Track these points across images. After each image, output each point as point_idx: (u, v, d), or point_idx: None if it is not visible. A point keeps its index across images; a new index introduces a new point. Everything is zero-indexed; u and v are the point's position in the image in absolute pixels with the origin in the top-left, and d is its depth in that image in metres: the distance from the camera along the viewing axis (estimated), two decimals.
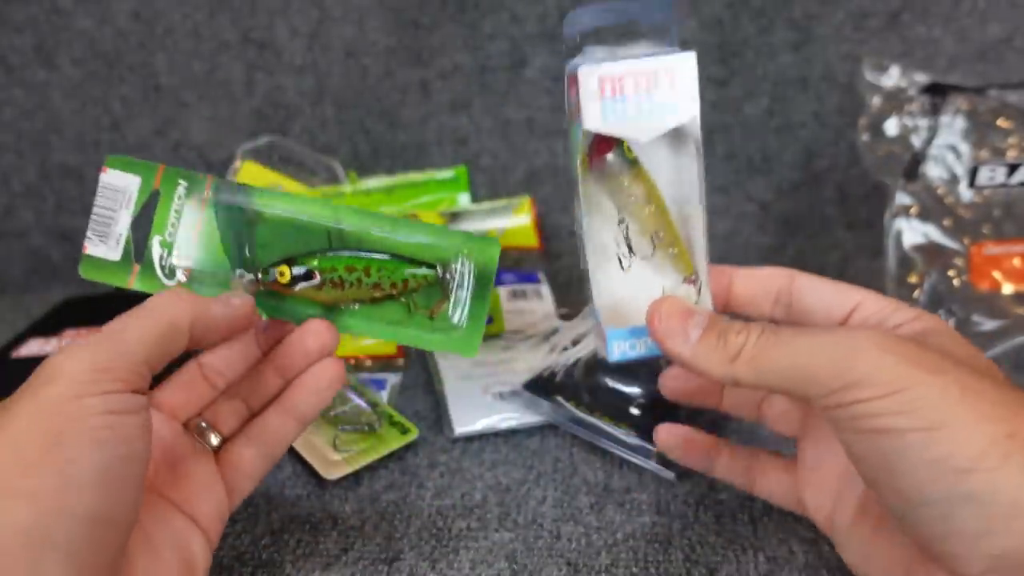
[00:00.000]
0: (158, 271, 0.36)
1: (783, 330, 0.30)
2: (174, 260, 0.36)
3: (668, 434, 0.39)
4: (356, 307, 0.36)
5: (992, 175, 0.54)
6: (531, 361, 0.52)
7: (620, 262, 0.35)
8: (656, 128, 0.34)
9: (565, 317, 0.57)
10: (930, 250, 0.54)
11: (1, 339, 0.60)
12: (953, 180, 0.55)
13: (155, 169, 0.36)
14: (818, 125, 0.66)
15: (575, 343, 0.52)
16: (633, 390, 0.46)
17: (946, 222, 0.55)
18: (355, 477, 0.44)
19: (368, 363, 0.56)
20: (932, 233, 0.55)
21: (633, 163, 0.35)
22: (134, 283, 0.36)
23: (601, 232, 0.35)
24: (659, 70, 0.33)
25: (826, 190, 0.67)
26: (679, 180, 0.36)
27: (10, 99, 0.67)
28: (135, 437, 0.28)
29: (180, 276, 0.36)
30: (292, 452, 0.46)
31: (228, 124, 0.68)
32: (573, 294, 0.65)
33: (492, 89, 0.67)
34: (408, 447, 0.46)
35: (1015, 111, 0.54)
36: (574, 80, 0.34)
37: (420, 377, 0.56)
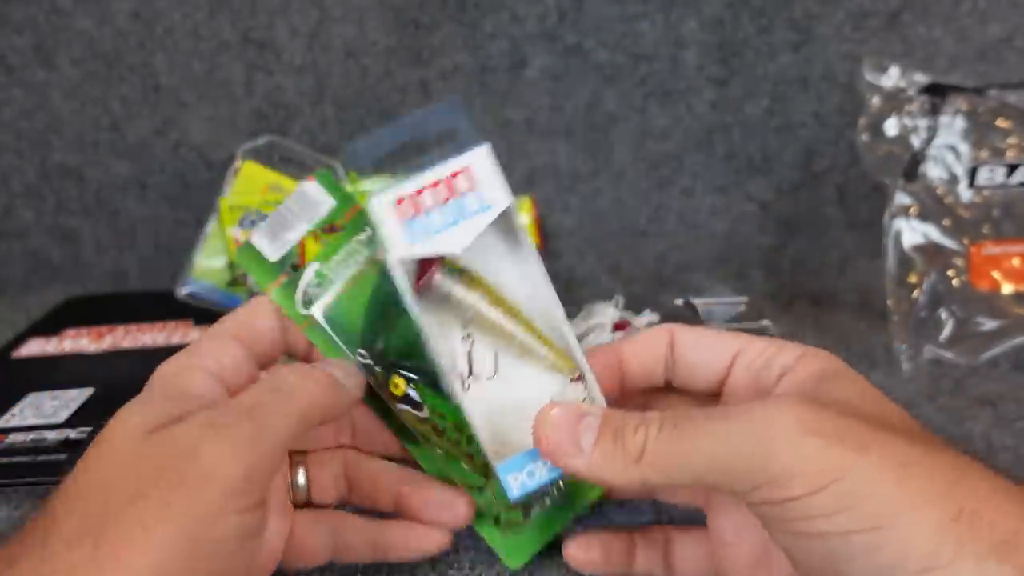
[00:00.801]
0: (298, 294, 0.35)
1: (687, 419, 0.26)
2: (316, 295, 0.34)
3: (582, 550, 0.34)
4: (438, 451, 0.34)
5: (991, 175, 0.54)
6: None
7: (462, 382, 0.32)
8: (469, 232, 0.30)
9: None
10: (930, 250, 0.54)
11: (1, 339, 0.60)
12: (953, 180, 0.55)
13: (352, 203, 0.35)
14: (818, 125, 0.66)
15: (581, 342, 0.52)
16: None
17: (945, 222, 0.55)
18: None
19: None
20: (932, 233, 0.55)
21: (462, 273, 0.32)
22: (272, 291, 0.35)
23: (453, 356, 0.32)
24: (454, 173, 0.31)
25: (826, 190, 0.67)
26: (524, 277, 0.33)
27: (10, 99, 0.67)
28: (258, 555, 0.28)
29: (313, 311, 0.34)
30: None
31: (228, 124, 0.68)
32: (573, 294, 0.65)
33: (492, 89, 0.67)
34: None
35: (1015, 111, 0.54)
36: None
37: None
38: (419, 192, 0.31)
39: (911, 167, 0.55)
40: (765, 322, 0.48)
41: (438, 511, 0.33)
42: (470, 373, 0.32)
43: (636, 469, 0.26)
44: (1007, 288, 0.53)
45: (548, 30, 0.65)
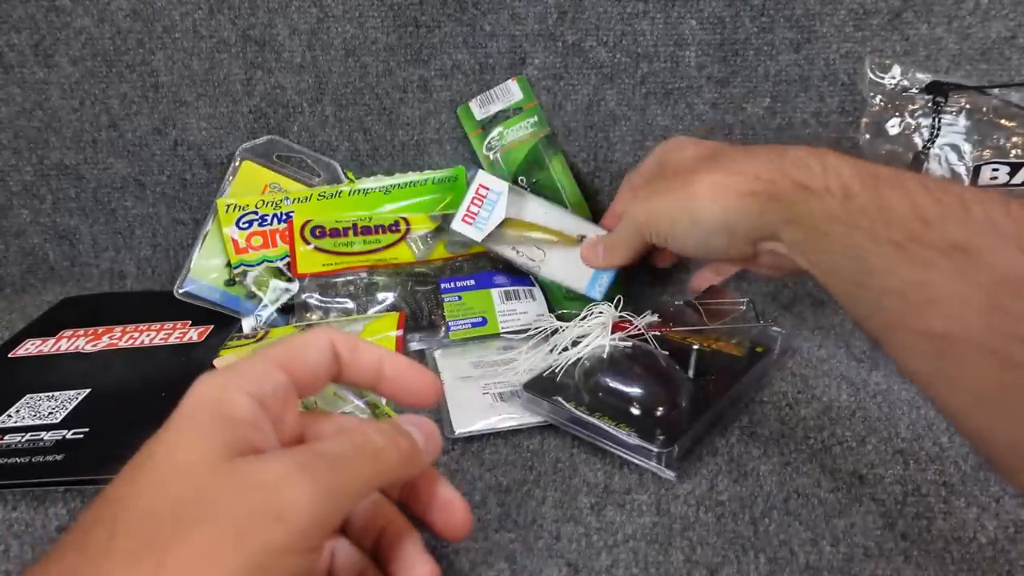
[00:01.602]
0: (485, 143, 0.66)
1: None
2: (496, 145, 0.65)
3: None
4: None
5: (995, 175, 0.54)
6: (530, 362, 0.52)
7: (537, 266, 0.60)
8: (498, 212, 0.58)
9: (563, 318, 0.56)
10: None
11: None
12: (955, 179, 0.55)
13: (531, 100, 0.65)
14: (819, 124, 0.66)
15: (574, 344, 0.52)
16: (633, 390, 0.46)
17: None
18: None
19: None
20: None
21: (505, 221, 0.58)
22: (473, 137, 0.66)
23: (515, 259, 0.60)
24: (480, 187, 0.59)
25: None
26: (536, 208, 0.59)
27: (8, 97, 0.67)
28: None
29: (492, 153, 0.65)
30: None
31: (227, 123, 0.68)
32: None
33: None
34: None
35: (1018, 110, 0.54)
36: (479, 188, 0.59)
37: None
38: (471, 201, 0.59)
39: (915, 166, 0.55)
40: (763, 323, 0.48)
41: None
42: (533, 261, 0.59)
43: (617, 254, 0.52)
44: None
45: (548, 29, 0.65)
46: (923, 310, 0.32)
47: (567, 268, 0.59)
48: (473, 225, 0.57)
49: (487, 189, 0.57)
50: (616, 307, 0.53)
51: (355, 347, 0.34)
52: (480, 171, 0.58)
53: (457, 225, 0.57)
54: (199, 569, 0.24)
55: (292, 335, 0.34)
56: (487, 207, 0.57)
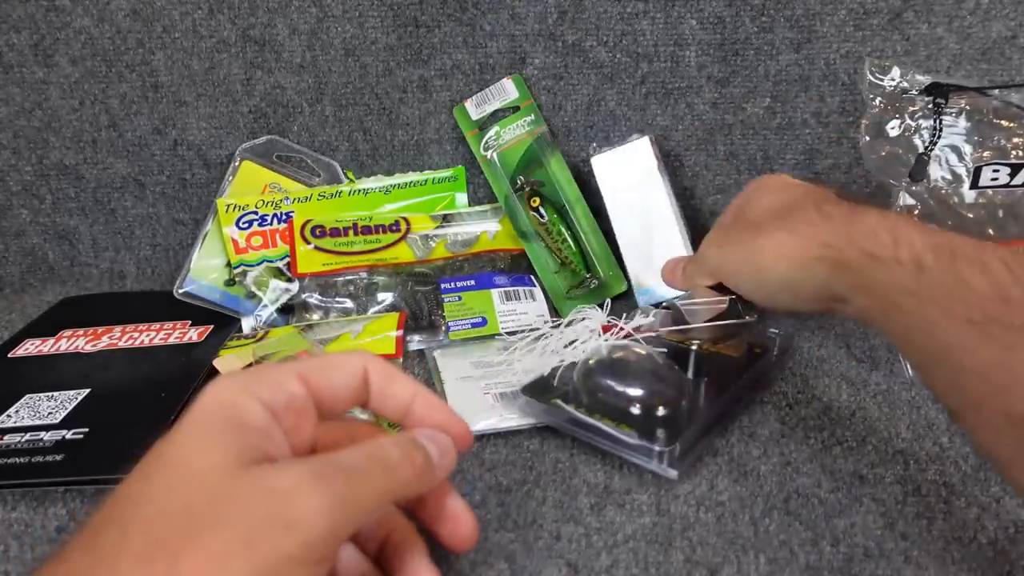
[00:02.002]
0: (482, 143, 0.66)
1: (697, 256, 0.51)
2: (494, 145, 0.66)
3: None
4: (544, 246, 0.65)
5: (995, 175, 0.54)
6: (530, 363, 0.52)
7: None
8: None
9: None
10: None
11: None
12: (955, 181, 0.55)
13: (527, 99, 0.67)
14: (820, 124, 0.66)
15: (572, 345, 0.52)
16: (633, 391, 0.46)
17: (949, 223, 0.54)
18: None
19: None
20: None
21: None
22: (469, 137, 0.67)
23: None
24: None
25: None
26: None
27: (7, 97, 0.67)
28: None
29: (489, 153, 0.66)
30: None
31: (227, 123, 0.68)
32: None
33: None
34: None
35: (1018, 111, 0.54)
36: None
37: (419, 378, 0.55)
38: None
39: (918, 167, 0.55)
40: (748, 319, 0.48)
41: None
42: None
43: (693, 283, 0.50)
44: None
45: (548, 29, 0.65)
46: (1006, 392, 0.30)
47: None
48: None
49: None
50: (603, 310, 0.54)
51: (390, 378, 0.33)
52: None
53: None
54: (209, 574, 0.24)
55: (330, 354, 0.33)
56: None
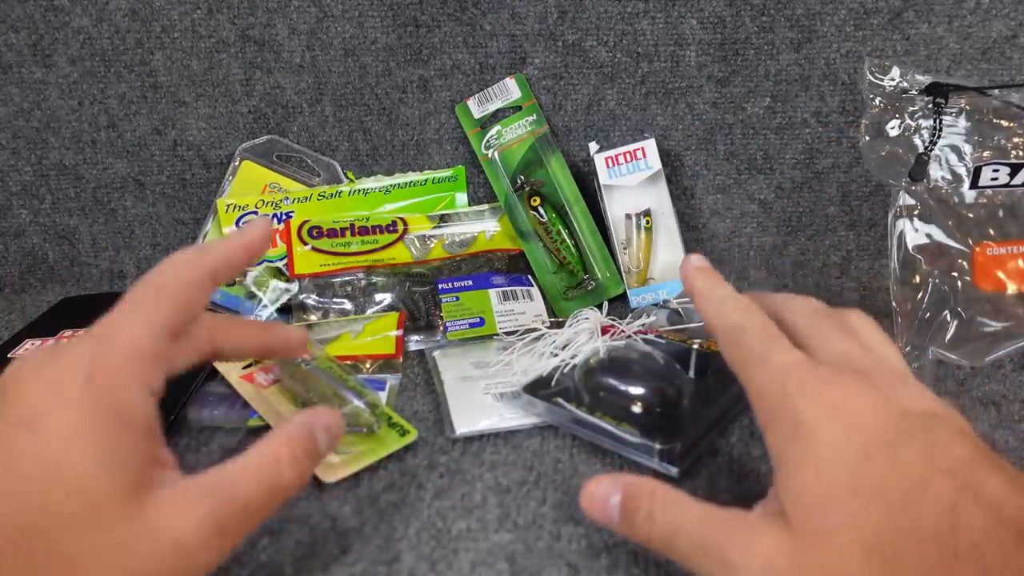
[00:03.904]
0: (483, 141, 0.66)
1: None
2: (495, 144, 0.66)
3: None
4: (542, 245, 0.65)
5: (995, 175, 0.54)
6: (530, 362, 0.52)
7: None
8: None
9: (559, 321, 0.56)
10: (933, 251, 0.54)
11: None
12: (956, 181, 0.55)
13: (530, 98, 0.66)
14: (820, 124, 0.66)
15: (572, 345, 0.52)
16: (634, 389, 0.46)
17: (949, 223, 0.54)
18: (354, 478, 0.43)
19: (367, 364, 0.56)
20: (935, 234, 0.55)
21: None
22: (471, 135, 0.66)
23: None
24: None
25: (828, 190, 0.67)
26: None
27: (6, 97, 0.67)
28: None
29: (490, 152, 0.66)
30: None
31: (226, 123, 0.68)
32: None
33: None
34: (407, 448, 0.46)
35: (1018, 110, 0.54)
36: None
37: (419, 378, 0.55)
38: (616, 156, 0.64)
39: (918, 167, 0.55)
40: None
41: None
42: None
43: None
44: (1011, 289, 0.53)
45: (548, 29, 0.65)
46: None
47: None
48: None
49: None
50: (602, 311, 0.54)
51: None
52: None
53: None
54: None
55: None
56: None
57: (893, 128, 0.56)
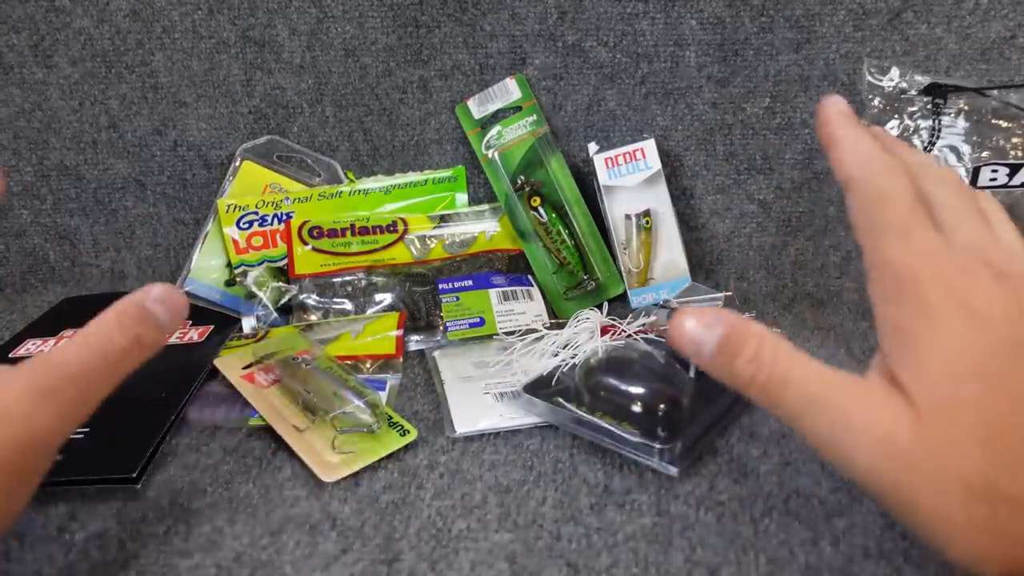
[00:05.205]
0: (483, 141, 0.66)
1: None
2: (495, 144, 0.66)
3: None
4: (542, 246, 0.65)
5: (994, 176, 0.54)
6: (530, 362, 0.52)
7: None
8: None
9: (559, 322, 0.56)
10: None
11: None
12: None
13: (530, 99, 0.66)
14: None
15: (572, 345, 0.52)
16: (635, 389, 0.46)
17: None
18: (354, 478, 0.43)
19: (367, 364, 0.56)
20: None
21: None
22: (471, 136, 0.66)
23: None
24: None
25: (827, 190, 0.67)
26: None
27: (7, 98, 0.67)
28: None
29: (490, 152, 0.66)
30: (291, 453, 0.45)
31: (227, 123, 0.68)
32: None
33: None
34: (407, 448, 0.46)
35: (1017, 111, 0.54)
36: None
37: (419, 378, 0.55)
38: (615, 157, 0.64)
39: None
40: (746, 316, 0.48)
41: None
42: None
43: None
44: None
45: (548, 29, 0.65)
46: None
47: None
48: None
49: None
50: (602, 311, 0.54)
51: None
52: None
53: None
54: None
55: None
56: None
57: (892, 128, 0.57)
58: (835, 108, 0.34)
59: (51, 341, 0.58)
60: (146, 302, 0.34)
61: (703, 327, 0.32)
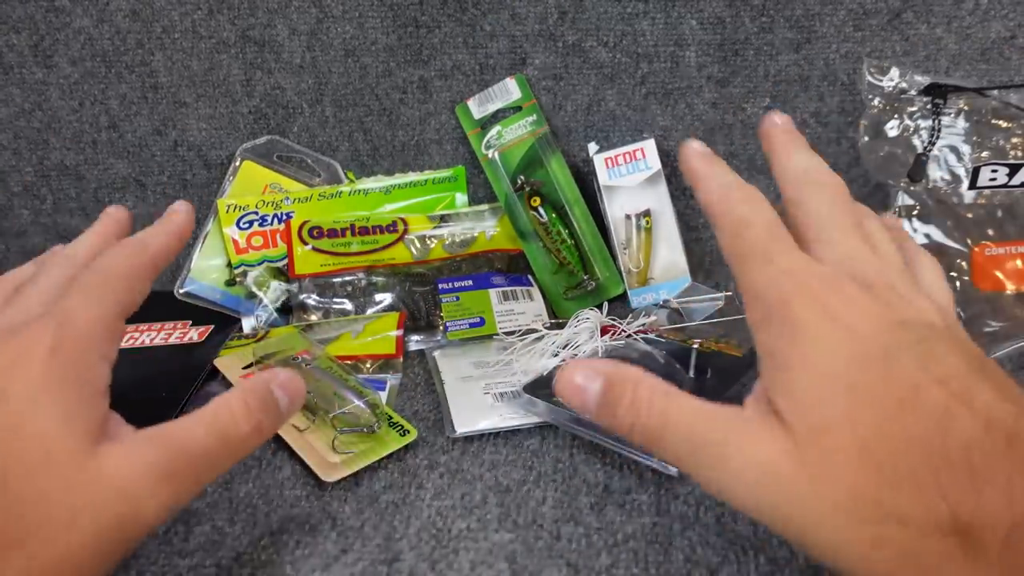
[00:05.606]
0: (483, 142, 0.66)
1: None
2: (495, 144, 0.65)
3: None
4: (541, 246, 0.64)
5: (994, 176, 0.54)
6: (530, 362, 0.52)
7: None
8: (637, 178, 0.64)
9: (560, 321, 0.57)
10: (932, 251, 0.54)
11: None
12: (954, 181, 0.55)
13: (531, 99, 0.66)
14: (819, 125, 0.66)
15: (572, 345, 0.52)
16: None
17: (948, 223, 0.55)
18: (354, 478, 0.43)
19: (367, 364, 0.56)
20: (934, 234, 0.55)
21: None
22: (471, 136, 0.67)
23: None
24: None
25: None
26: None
27: (7, 98, 0.67)
28: None
29: (490, 152, 0.66)
30: (291, 453, 0.45)
31: (227, 123, 0.68)
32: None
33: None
34: (407, 448, 0.46)
35: (1017, 111, 0.54)
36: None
37: (419, 378, 0.55)
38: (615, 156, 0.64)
39: (916, 167, 0.55)
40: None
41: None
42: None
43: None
44: (1010, 289, 0.53)
45: (548, 29, 0.65)
46: None
47: None
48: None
49: None
50: (602, 311, 0.54)
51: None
52: None
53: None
54: (60, 569, 0.27)
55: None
56: None
57: (892, 129, 0.57)
58: (693, 149, 0.36)
59: None
60: (272, 385, 0.34)
61: (584, 380, 0.32)
